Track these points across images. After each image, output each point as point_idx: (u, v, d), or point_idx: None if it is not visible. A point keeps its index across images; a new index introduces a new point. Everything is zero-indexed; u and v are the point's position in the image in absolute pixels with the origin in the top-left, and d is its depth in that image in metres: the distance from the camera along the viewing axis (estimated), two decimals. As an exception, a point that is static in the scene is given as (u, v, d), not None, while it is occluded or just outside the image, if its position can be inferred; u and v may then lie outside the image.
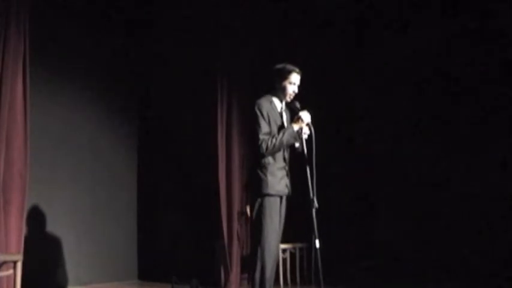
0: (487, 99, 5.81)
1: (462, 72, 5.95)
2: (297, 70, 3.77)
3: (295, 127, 3.66)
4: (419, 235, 6.00)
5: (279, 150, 3.66)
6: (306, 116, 3.68)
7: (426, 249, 5.94)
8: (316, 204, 3.51)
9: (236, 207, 5.74)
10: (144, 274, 6.51)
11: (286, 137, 3.63)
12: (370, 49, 6.57)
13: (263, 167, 3.62)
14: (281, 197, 3.69)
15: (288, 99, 3.79)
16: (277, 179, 3.65)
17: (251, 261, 3.64)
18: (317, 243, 3.48)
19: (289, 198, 3.77)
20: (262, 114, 3.64)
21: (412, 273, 5.78)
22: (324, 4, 6.53)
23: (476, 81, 5.86)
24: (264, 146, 3.59)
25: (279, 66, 3.79)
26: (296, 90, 3.78)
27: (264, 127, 3.63)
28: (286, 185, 3.73)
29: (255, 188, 3.64)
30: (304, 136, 3.69)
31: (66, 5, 5.92)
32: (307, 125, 3.68)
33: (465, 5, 5.87)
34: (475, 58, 5.85)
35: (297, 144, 3.75)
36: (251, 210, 3.67)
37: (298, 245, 5.87)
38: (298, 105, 3.74)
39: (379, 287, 5.76)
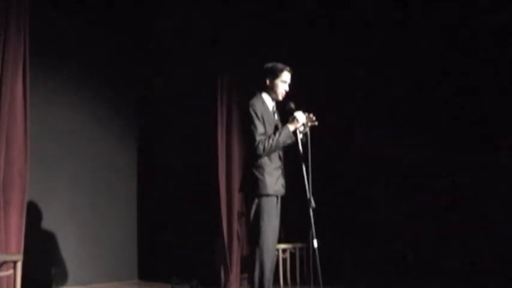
0: (488, 97, 5.81)
1: (464, 71, 5.94)
2: (288, 68, 3.76)
3: (291, 127, 3.65)
4: (419, 235, 5.99)
5: (275, 151, 3.66)
6: (300, 116, 3.68)
7: (426, 248, 5.93)
8: (313, 203, 3.51)
9: (236, 207, 5.75)
10: (144, 274, 6.51)
11: (282, 137, 3.62)
12: (369, 48, 6.56)
13: (260, 167, 3.62)
14: (277, 197, 3.69)
15: (280, 98, 3.79)
16: (274, 179, 3.65)
17: (250, 262, 3.65)
18: (315, 243, 3.48)
19: (284, 198, 3.77)
20: (256, 115, 3.63)
21: (413, 272, 5.78)
22: (324, 5, 6.53)
23: (478, 80, 5.86)
24: (261, 147, 3.58)
25: (270, 64, 3.78)
26: (287, 89, 3.78)
27: (260, 128, 3.62)
28: (282, 185, 3.73)
29: (253, 189, 3.63)
30: (300, 136, 3.68)
31: (66, 5, 5.92)
32: (303, 125, 3.68)
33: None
34: (474, 57, 5.85)
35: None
36: (248, 211, 3.67)
37: (298, 245, 5.87)
38: (292, 105, 3.74)
39: (379, 287, 5.76)
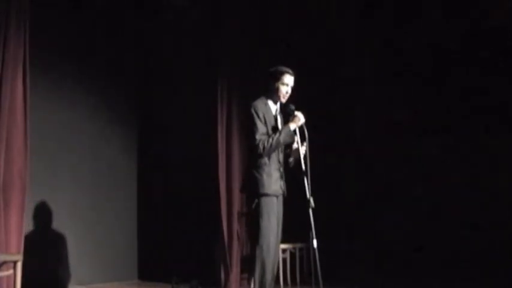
0: (486, 99, 5.81)
1: (465, 70, 5.95)
2: (290, 71, 3.80)
3: (292, 126, 3.69)
4: (420, 234, 6.00)
5: (275, 149, 3.68)
6: (301, 116, 3.70)
7: (427, 248, 5.94)
8: (312, 204, 3.52)
9: (236, 207, 5.75)
10: (144, 274, 6.51)
11: (283, 136, 3.65)
12: (369, 48, 6.57)
13: (259, 168, 3.65)
14: (277, 197, 3.71)
15: (282, 100, 3.82)
16: (273, 179, 3.68)
17: (251, 263, 3.65)
18: (315, 243, 3.49)
19: (285, 200, 3.80)
20: (258, 115, 3.68)
21: (413, 272, 5.78)
22: (324, 7, 6.54)
23: (478, 79, 5.86)
24: (261, 146, 3.61)
25: (273, 68, 3.82)
26: (289, 91, 3.81)
27: (261, 128, 3.66)
28: (281, 186, 3.76)
29: (252, 189, 3.66)
30: (302, 152, 3.68)
31: (67, 5, 5.92)
32: (301, 127, 3.69)
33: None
34: (475, 56, 5.86)
35: (290, 159, 3.84)
36: (248, 211, 3.68)
37: (298, 245, 5.88)
38: (292, 107, 3.78)
39: (379, 287, 5.76)
